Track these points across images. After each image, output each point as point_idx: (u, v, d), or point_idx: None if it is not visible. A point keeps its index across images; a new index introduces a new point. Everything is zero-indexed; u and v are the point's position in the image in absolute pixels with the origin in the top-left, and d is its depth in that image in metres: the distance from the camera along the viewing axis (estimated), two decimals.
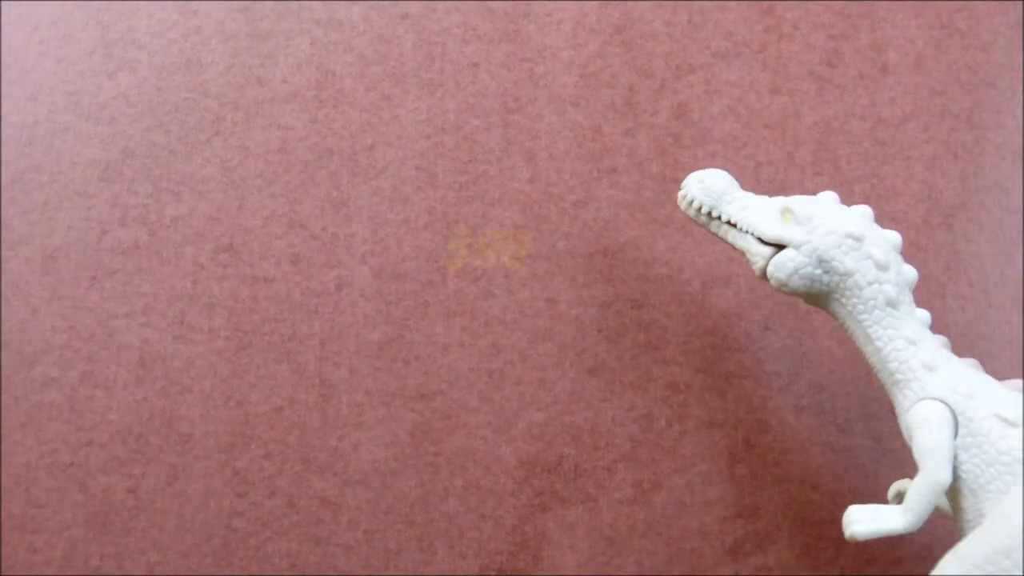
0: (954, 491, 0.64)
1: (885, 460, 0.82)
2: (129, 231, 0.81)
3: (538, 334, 0.81)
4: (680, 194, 0.71)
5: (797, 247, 0.67)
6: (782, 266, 0.67)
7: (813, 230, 0.67)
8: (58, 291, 0.79)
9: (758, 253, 0.68)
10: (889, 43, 0.90)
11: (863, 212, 0.68)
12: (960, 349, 0.83)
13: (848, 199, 0.85)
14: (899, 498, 0.72)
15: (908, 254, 0.85)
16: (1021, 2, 0.93)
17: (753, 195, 0.70)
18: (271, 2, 0.87)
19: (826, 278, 0.67)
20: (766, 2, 0.90)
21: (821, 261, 0.67)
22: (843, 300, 0.67)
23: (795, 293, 0.68)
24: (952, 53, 0.90)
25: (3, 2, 0.85)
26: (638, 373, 0.81)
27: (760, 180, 0.86)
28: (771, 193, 0.85)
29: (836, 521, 0.80)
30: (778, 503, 0.80)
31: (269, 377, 0.79)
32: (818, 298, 0.68)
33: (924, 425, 0.64)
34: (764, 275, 0.69)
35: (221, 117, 0.84)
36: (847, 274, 0.67)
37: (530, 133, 0.85)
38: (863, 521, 0.63)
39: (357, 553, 0.77)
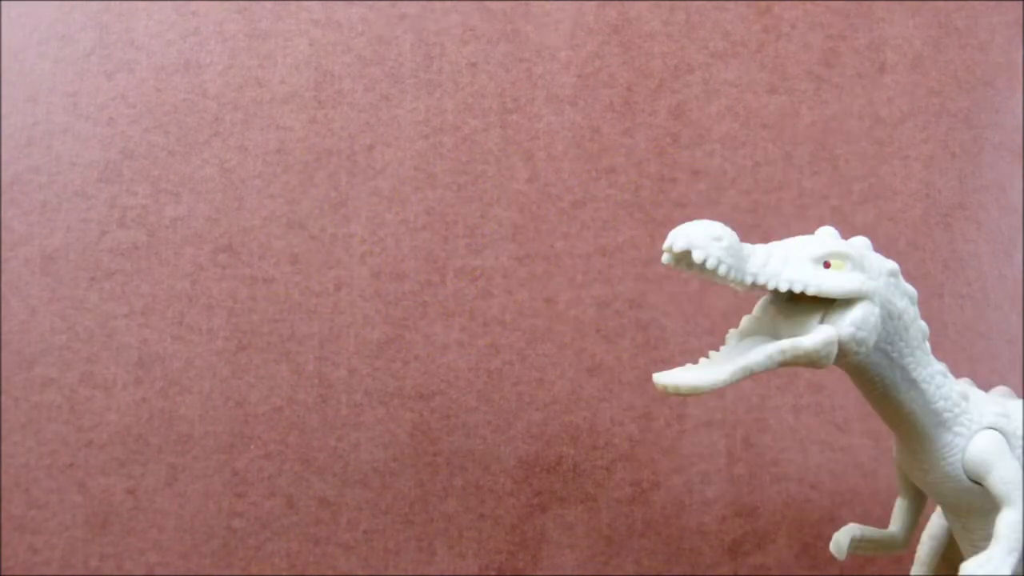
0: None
1: (884, 460, 0.82)
2: (128, 232, 0.81)
3: (537, 334, 0.82)
4: (696, 255, 0.52)
5: (871, 297, 0.56)
6: (865, 323, 0.55)
7: (875, 276, 0.57)
8: (58, 291, 0.79)
9: (824, 336, 0.55)
10: (887, 43, 0.90)
11: (865, 243, 0.60)
12: (959, 349, 0.83)
13: (846, 198, 0.86)
14: (932, 545, 0.67)
15: (906, 253, 0.85)
16: (1020, 2, 0.93)
17: (760, 248, 0.56)
18: (270, 3, 0.87)
19: (885, 324, 0.57)
20: (764, 2, 0.90)
21: (883, 305, 0.57)
22: (889, 347, 0.58)
23: (856, 358, 0.56)
24: (950, 53, 0.90)
25: (3, 2, 0.85)
26: (637, 373, 0.81)
27: (758, 180, 0.86)
28: (768, 193, 0.85)
29: (835, 520, 0.80)
30: (777, 502, 0.80)
31: (269, 377, 0.79)
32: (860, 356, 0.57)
33: (1001, 456, 0.59)
34: (833, 353, 0.55)
35: (220, 118, 0.84)
36: (898, 316, 0.58)
37: (528, 133, 0.85)
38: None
39: (357, 553, 0.77)
